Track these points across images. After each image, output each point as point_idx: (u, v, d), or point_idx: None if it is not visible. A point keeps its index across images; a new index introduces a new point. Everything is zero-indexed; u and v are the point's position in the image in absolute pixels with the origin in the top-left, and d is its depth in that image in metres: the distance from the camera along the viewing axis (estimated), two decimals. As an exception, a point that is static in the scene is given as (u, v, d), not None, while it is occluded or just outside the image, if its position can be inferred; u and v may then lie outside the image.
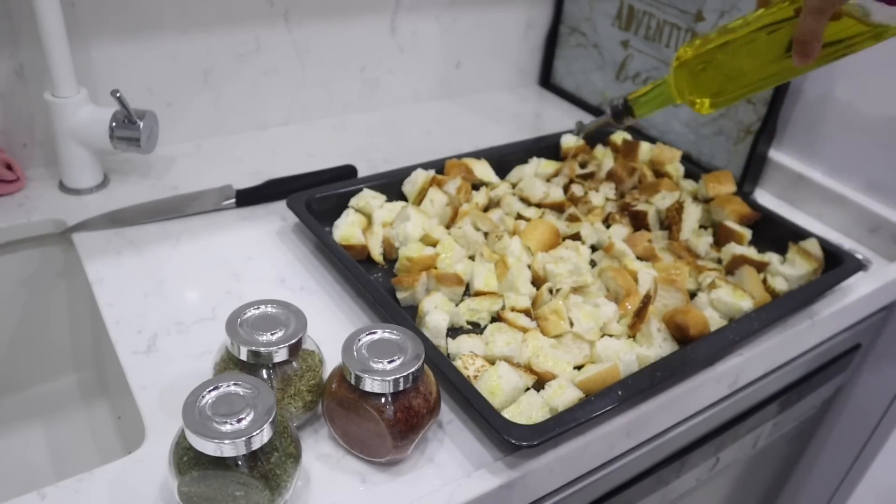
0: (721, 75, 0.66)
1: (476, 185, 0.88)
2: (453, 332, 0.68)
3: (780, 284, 0.76)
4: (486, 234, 0.79)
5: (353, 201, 0.82)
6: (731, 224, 0.84)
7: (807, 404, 0.91)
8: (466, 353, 0.63)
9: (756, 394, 0.78)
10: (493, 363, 0.62)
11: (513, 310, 0.70)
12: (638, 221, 0.84)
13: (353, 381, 0.52)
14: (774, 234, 0.85)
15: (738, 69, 0.65)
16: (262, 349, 0.51)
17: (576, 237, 0.80)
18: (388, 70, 1.08)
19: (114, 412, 0.81)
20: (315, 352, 0.56)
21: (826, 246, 0.80)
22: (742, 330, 0.68)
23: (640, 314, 0.68)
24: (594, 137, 1.00)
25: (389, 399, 0.52)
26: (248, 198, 0.83)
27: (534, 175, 0.91)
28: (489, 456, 0.56)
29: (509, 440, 0.53)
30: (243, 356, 0.52)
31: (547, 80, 1.25)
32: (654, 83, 0.72)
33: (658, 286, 0.71)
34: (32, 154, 0.85)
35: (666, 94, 0.70)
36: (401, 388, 0.51)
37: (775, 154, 0.97)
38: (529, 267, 0.74)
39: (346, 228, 0.77)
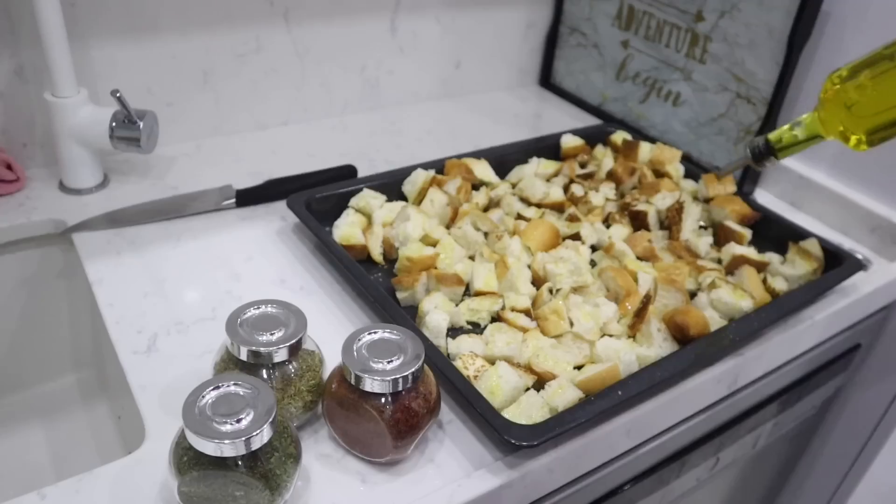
0: (880, 108, 0.59)
1: (476, 185, 0.88)
2: (453, 332, 0.68)
3: (780, 284, 0.76)
4: (486, 234, 0.79)
5: (353, 201, 0.82)
6: (731, 224, 0.84)
7: (807, 404, 0.91)
8: (466, 353, 0.63)
9: (756, 394, 0.78)
10: (493, 363, 0.62)
11: (513, 310, 0.70)
12: (638, 221, 0.84)
13: (353, 381, 0.52)
14: (774, 234, 0.85)
15: None
16: (262, 349, 0.51)
17: (576, 237, 0.80)
18: (388, 70, 1.08)
19: (114, 412, 0.81)
20: (315, 352, 0.56)
21: (826, 246, 0.80)
22: (742, 330, 0.68)
23: (640, 314, 0.68)
24: (594, 137, 1.00)
25: (389, 399, 0.52)
26: (248, 198, 0.83)
27: (534, 175, 0.91)
28: (489, 456, 0.56)
29: (509, 440, 0.53)
30: (243, 356, 0.52)
31: (547, 80, 1.25)
32: (798, 121, 0.66)
33: (658, 286, 0.71)
34: (32, 154, 0.85)
35: (814, 131, 0.64)
36: (401, 388, 0.51)
37: (775, 154, 0.96)
38: (529, 267, 0.74)
39: (346, 228, 0.77)
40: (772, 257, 0.79)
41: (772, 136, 0.69)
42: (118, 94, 0.76)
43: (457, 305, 0.70)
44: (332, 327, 0.68)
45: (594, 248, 0.81)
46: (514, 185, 0.90)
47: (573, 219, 0.83)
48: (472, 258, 0.76)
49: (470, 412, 0.60)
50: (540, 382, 0.62)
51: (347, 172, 0.89)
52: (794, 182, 0.95)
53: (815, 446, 1.08)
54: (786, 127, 0.67)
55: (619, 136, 0.99)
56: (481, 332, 0.68)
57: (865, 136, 0.62)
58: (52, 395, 0.84)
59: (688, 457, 0.74)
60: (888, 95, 0.59)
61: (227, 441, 0.44)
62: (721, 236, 0.84)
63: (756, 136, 0.92)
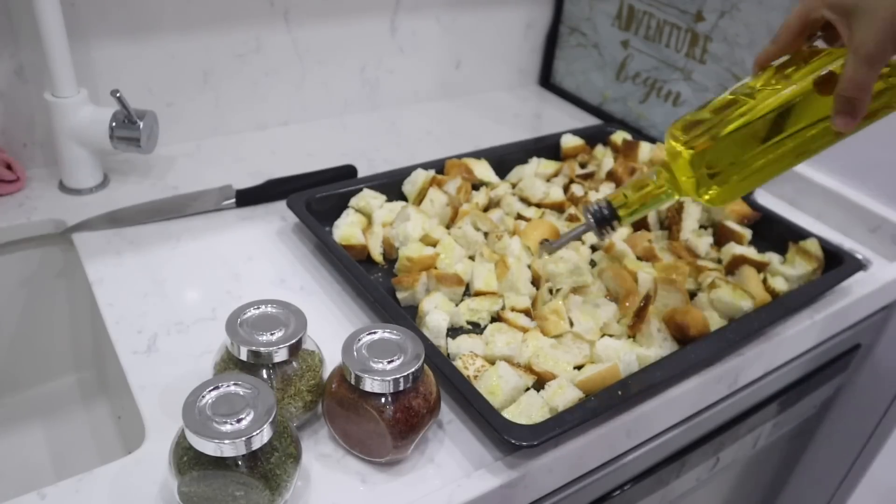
0: (741, 157, 0.55)
1: (476, 185, 0.88)
2: (453, 332, 0.68)
3: (780, 284, 0.76)
4: (486, 234, 0.79)
5: (353, 201, 0.82)
6: (731, 224, 0.84)
7: (807, 404, 0.91)
8: (466, 353, 0.63)
9: (756, 394, 0.78)
10: (493, 363, 0.62)
11: (513, 310, 0.70)
12: (638, 221, 0.84)
13: (353, 381, 0.52)
14: (774, 234, 0.85)
15: (762, 148, 0.55)
16: (262, 349, 0.51)
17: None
18: (388, 70, 1.08)
19: (114, 412, 0.81)
20: (315, 352, 0.56)
21: (826, 246, 0.80)
22: (742, 330, 0.68)
23: (640, 314, 0.67)
24: (594, 137, 1.00)
25: (389, 399, 0.52)
26: (248, 198, 0.83)
27: (534, 175, 0.91)
28: (489, 456, 0.56)
29: (509, 440, 0.53)
30: (243, 356, 0.52)
31: (547, 80, 1.25)
32: (641, 182, 0.60)
33: (658, 286, 0.71)
34: (32, 154, 0.85)
35: (664, 193, 0.59)
36: (401, 388, 0.51)
37: (775, 154, 0.96)
38: (529, 267, 0.74)
39: (346, 228, 0.77)
40: (772, 257, 0.79)
41: (613, 198, 0.61)
42: (118, 94, 0.76)
43: (457, 305, 0.70)
44: (332, 327, 0.68)
45: (594, 248, 0.81)
46: (514, 185, 0.90)
47: (573, 219, 0.83)
48: (472, 258, 0.76)
49: (470, 412, 0.60)
50: (540, 382, 0.62)
51: (347, 172, 0.89)
52: (794, 182, 0.95)
53: (815, 446, 1.08)
54: (628, 186, 0.61)
55: (619, 136, 0.99)
56: (481, 332, 0.68)
57: (721, 189, 0.57)
58: (52, 395, 0.84)
59: (688, 457, 0.74)
60: (747, 149, 0.55)
61: (227, 441, 0.44)
62: (721, 236, 0.84)
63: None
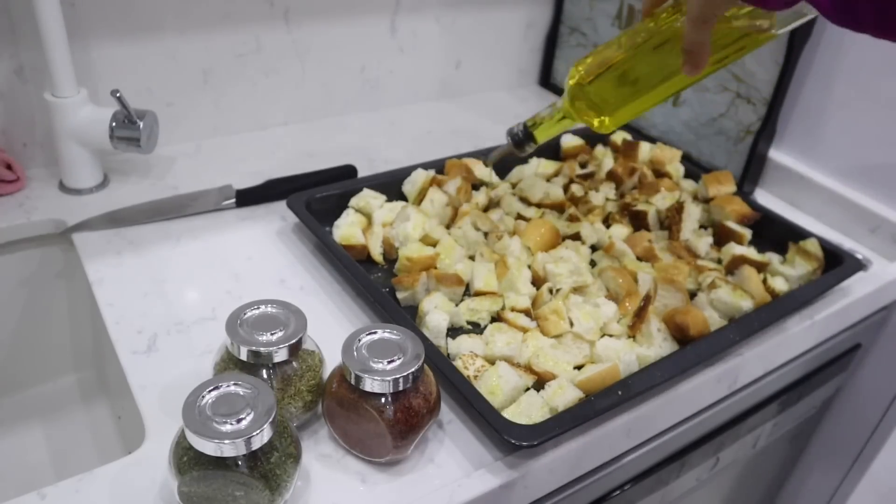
0: (618, 92, 0.64)
1: (476, 185, 0.88)
2: (453, 332, 0.68)
3: (780, 284, 0.76)
4: (486, 234, 0.79)
5: (353, 201, 0.82)
6: (731, 224, 0.84)
7: (807, 404, 0.91)
8: (466, 353, 0.63)
9: (756, 394, 0.78)
10: (493, 363, 0.62)
11: (513, 310, 0.70)
12: (638, 221, 0.84)
13: (353, 381, 0.52)
14: (774, 234, 0.85)
15: (635, 85, 0.64)
16: (262, 349, 0.51)
17: (576, 237, 0.80)
18: (388, 70, 1.08)
19: (114, 412, 0.81)
20: (315, 352, 0.56)
21: (826, 246, 0.80)
22: (742, 330, 0.68)
23: (640, 314, 0.68)
24: (594, 137, 1.00)
25: (389, 399, 0.52)
26: (248, 198, 0.83)
27: (534, 175, 0.91)
28: (489, 456, 0.56)
29: (509, 440, 0.53)
30: (243, 356, 0.52)
31: (547, 80, 1.25)
32: (551, 105, 0.70)
33: (658, 286, 0.71)
34: (32, 154, 0.85)
35: (563, 115, 0.68)
36: (401, 388, 0.51)
37: (775, 154, 0.97)
38: (529, 267, 0.74)
39: (346, 228, 0.77)
40: (772, 257, 0.79)
41: (529, 120, 0.71)
42: (118, 94, 0.76)
43: (457, 305, 0.70)
44: (332, 327, 0.68)
45: (594, 248, 0.81)
46: (514, 185, 0.90)
47: (573, 219, 0.83)
48: (472, 258, 0.76)
49: (470, 412, 0.60)
50: (540, 382, 0.62)
51: (347, 172, 0.89)
52: (794, 182, 0.95)
53: (815, 446, 1.08)
54: (544, 111, 0.70)
55: (619, 136, 0.99)
56: (481, 332, 0.68)
57: (609, 117, 0.66)
58: (52, 395, 0.84)
59: (688, 457, 0.74)
60: (627, 81, 0.63)
61: (227, 441, 0.44)
62: (721, 236, 0.84)
63: (755, 136, 0.92)
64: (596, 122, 0.66)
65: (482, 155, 0.91)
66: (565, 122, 0.69)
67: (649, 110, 0.69)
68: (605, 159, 0.94)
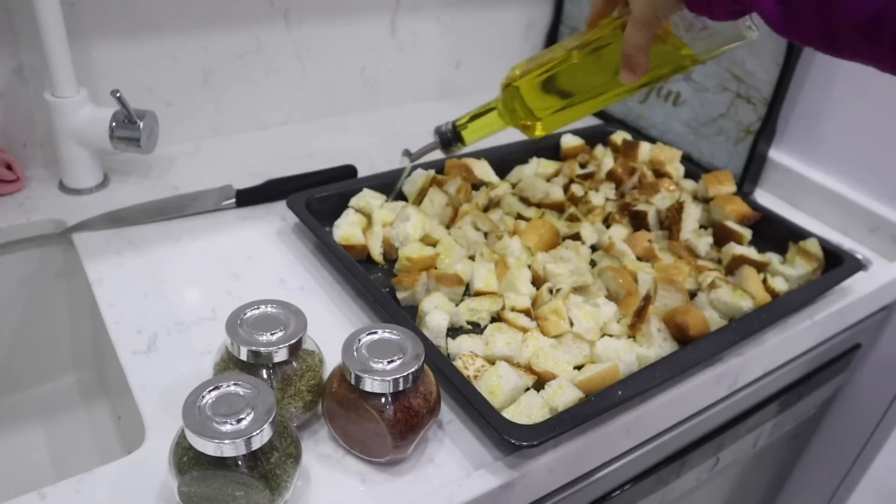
0: (552, 97, 0.64)
1: (476, 185, 0.88)
2: (453, 332, 0.68)
3: (780, 284, 0.76)
4: (486, 234, 0.79)
5: (353, 201, 0.82)
6: (731, 224, 0.84)
7: (807, 404, 0.91)
8: (466, 353, 0.63)
9: (756, 394, 0.78)
10: (493, 363, 0.62)
11: (513, 310, 0.70)
12: (638, 221, 0.84)
13: (353, 381, 0.52)
14: (774, 234, 0.85)
15: (570, 90, 0.64)
16: (262, 349, 0.51)
17: (576, 237, 0.80)
18: (388, 70, 1.08)
19: (114, 412, 0.81)
20: (315, 352, 0.56)
21: (826, 246, 0.80)
22: (742, 330, 0.68)
23: (640, 314, 0.68)
24: (594, 137, 1.00)
25: (389, 399, 0.52)
26: (248, 198, 0.83)
27: (534, 175, 0.91)
28: (489, 456, 0.56)
29: (509, 440, 0.53)
30: (243, 356, 0.52)
31: (547, 80, 1.25)
32: (483, 107, 0.69)
33: (658, 286, 0.71)
34: (32, 154, 0.85)
35: (496, 118, 0.68)
36: (401, 388, 0.51)
37: (775, 154, 0.97)
38: (529, 267, 0.74)
39: (346, 228, 0.77)
40: (772, 257, 0.79)
41: (458, 121, 0.70)
42: (118, 94, 0.76)
43: (457, 305, 0.70)
44: (332, 327, 0.68)
45: (594, 248, 0.81)
46: (514, 185, 0.90)
47: (573, 219, 0.83)
48: (472, 258, 0.76)
49: (470, 412, 0.60)
50: (540, 382, 0.62)
51: (347, 172, 0.89)
52: (794, 182, 0.95)
53: (815, 446, 1.08)
54: (474, 111, 0.70)
55: (619, 136, 0.99)
56: (481, 332, 0.68)
57: (541, 122, 0.66)
58: (52, 395, 0.84)
59: (688, 457, 0.74)
60: (562, 86, 0.64)
61: (227, 441, 0.44)
62: (721, 236, 0.84)
63: (755, 136, 0.92)
64: (529, 127, 0.66)
65: (483, 155, 0.91)
66: (496, 124, 0.68)
67: (583, 118, 0.69)
68: (605, 159, 0.94)
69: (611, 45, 0.61)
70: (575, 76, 0.63)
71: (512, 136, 1.02)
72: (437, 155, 0.79)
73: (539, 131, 0.67)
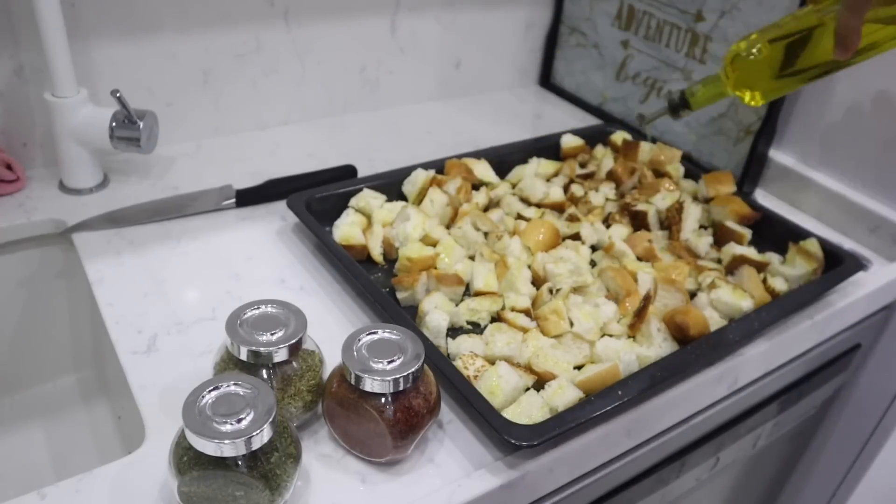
0: (772, 69, 0.67)
1: (476, 185, 0.88)
2: (453, 332, 0.68)
3: (780, 284, 0.76)
4: (486, 234, 0.79)
5: (353, 201, 0.82)
6: (731, 224, 0.84)
7: (807, 404, 0.91)
8: (466, 353, 0.63)
9: (756, 394, 0.78)
10: (493, 363, 0.62)
11: (513, 310, 0.70)
12: (638, 221, 0.84)
13: (353, 381, 0.52)
14: (774, 234, 0.85)
15: (789, 62, 0.67)
16: (262, 349, 0.51)
17: (576, 237, 0.80)
18: (388, 70, 1.08)
19: (114, 412, 0.81)
20: (315, 352, 0.56)
21: (826, 246, 0.80)
22: (742, 330, 0.68)
23: (640, 314, 0.68)
24: (594, 137, 1.00)
25: (389, 399, 0.52)
26: (248, 198, 0.83)
27: (534, 175, 0.91)
28: (489, 456, 0.56)
29: (509, 440, 0.53)
30: (243, 356, 0.52)
31: (547, 80, 1.25)
32: (708, 77, 0.73)
33: (658, 286, 0.71)
34: (32, 154, 0.85)
35: (719, 86, 0.71)
36: (401, 388, 0.51)
37: (775, 154, 0.97)
38: (529, 267, 0.74)
39: (346, 228, 0.77)
40: (772, 257, 0.79)
41: (686, 89, 0.74)
42: (118, 94, 0.76)
43: (457, 305, 0.70)
44: (332, 327, 0.68)
45: (594, 248, 0.81)
46: (514, 185, 0.90)
47: (573, 219, 0.83)
48: (472, 258, 0.76)
49: (470, 412, 0.60)
50: (540, 382, 0.62)
51: (347, 172, 0.89)
52: (794, 182, 0.95)
53: (815, 446, 1.08)
54: (702, 81, 0.73)
55: (619, 136, 0.99)
56: (481, 332, 0.68)
57: (760, 91, 0.69)
58: (52, 395, 0.84)
59: (688, 457, 0.74)
60: (782, 58, 0.67)
61: (227, 441, 0.44)
62: (721, 236, 0.84)
63: (755, 136, 0.92)
64: (748, 96, 0.70)
65: (483, 155, 0.91)
66: (720, 93, 0.71)
67: (797, 89, 0.74)
68: (605, 159, 0.94)
69: (828, 23, 0.64)
70: (797, 50, 0.66)
71: (512, 136, 1.03)
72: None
73: (757, 101, 0.70)
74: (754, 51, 0.67)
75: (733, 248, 0.79)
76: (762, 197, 0.97)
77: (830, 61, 0.65)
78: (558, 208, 0.86)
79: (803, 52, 0.66)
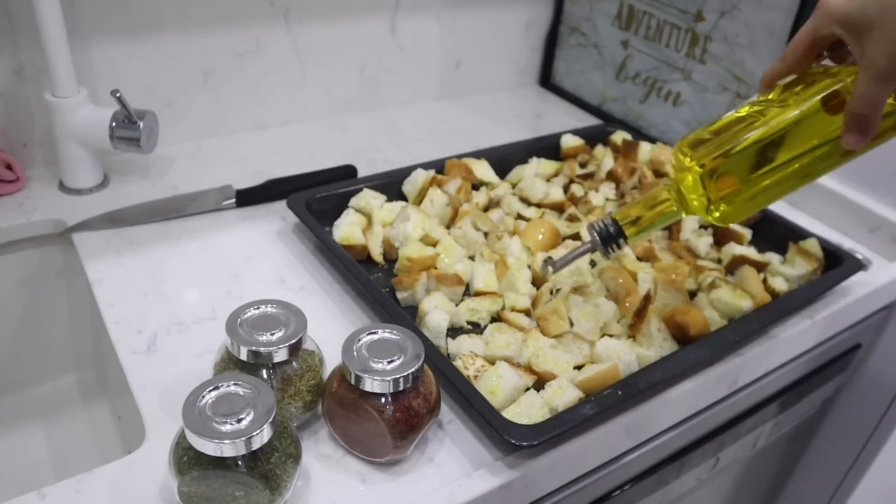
0: (748, 178, 0.55)
1: (476, 185, 0.88)
2: (453, 332, 0.68)
3: (780, 284, 0.76)
4: (486, 234, 0.79)
5: (353, 201, 0.82)
6: (731, 224, 0.84)
7: (807, 404, 0.91)
8: (466, 353, 0.63)
9: (756, 394, 0.78)
10: (493, 363, 0.62)
11: (513, 310, 0.70)
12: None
13: (353, 381, 0.52)
14: (774, 234, 0.85)
15: (770, 166, 0.54)
16: (262, 349, 0.51)
17: (576, 237, 0.80)
18: (388, 70, 1.08)
19: (114, 412, 0.81)
20: (315, 352, 0.56)
21: (826, 246, 0.80)
22: (742, 330, 0.68)
23: (640, 314, 0.67)
24: (594, 137, 1.00)
25: (389, 399, 0.52)
26: (248, 198, 0.83)
27: (534, 175, 0.91)
28: (489, 456, 0.56)
29: (509, 440, 0.53)
30: (243, 356, 0.52)
31: (547, 80, 1.25)
32: (647, 200, 0.59)
33: (658, 286, 0.71)
34: (32, 154, 0.85)
35: (671, 211, 0.58)
36: (401, 388, 0.51)
37: (775, 154, 0.96)
38: (529, 267, 0.74)
39: (346, 228, 0.77)
40: (772, 257, 0.79)
41: (618, 215, 0.60)
42: (118, 94, 0.76)
43: (457, 305, 0.70)
44: (332, 327, 0.68)
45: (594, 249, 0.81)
46: (514, 185, 0.90)
47: (573, 219, 0.83)
48: (472, 258, 0.76)
49: (470, 412, 0.60)
50: (540, 382, 0.62)
51: (347, 172, 0.89)
52: (794, 182, 0.95)
53: (815, 446, 1.08)
54: (633, 204, 0.60)
55: (619, 136, 0.99)
56: (481, 332, 0.68)
57: (731, 208, 0.56)
58: (52, 395, 0.84)
59: (688, 457, 0.74)
60: (759, 165, 0.55)
61: (227, 441, 0.44)
62: (721, 236, 0.84)
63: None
64: (715, 215, 0.57)
65: (483, 155, 0.91)
66: (670, 215, 0.59)
67: (776, 201, 0.59)
68: (605, 159, 0.94)
69: (816, 113, 0.53)
70: (780, 148, 0.54)
71: (512, 136, 1.03)
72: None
73: (728, 219, 0.57)
74: (718, 157, 0.54)
75: (733, 248, 0.79)
76: (762, 197, 0.97)
77: (827, 156, 0.54)
78: (558, 208, 0.86)
79: (788, 151, 0.54)
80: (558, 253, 0.75)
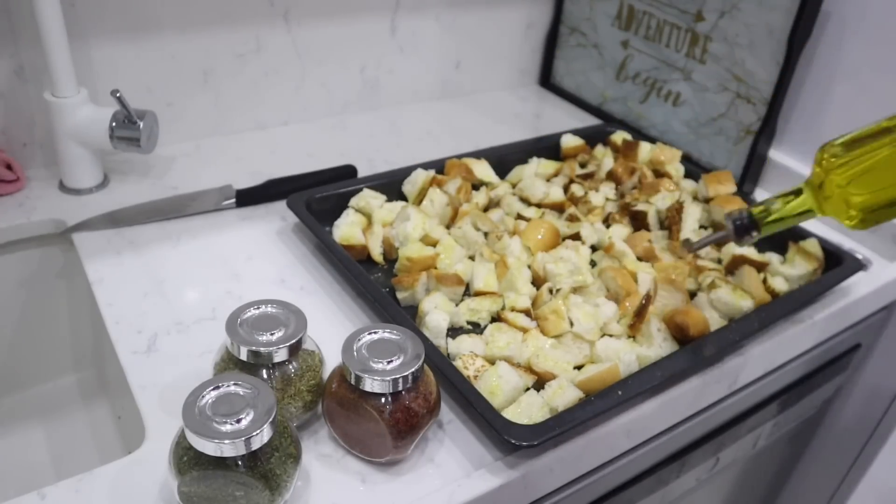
0: (884, 188, 0.56)
1: (476, 185, 0.88)
2: (453, 332, 0.68)
3: (780, 284, 0.76)
4: (486, 234, 0.79)
5: (353, 201, 0.82)
6: (731, 224, 0.84)
7: (807, 404, 0.91)
8: (466, 353, 0.63)
9: (756, 394, 0.78)
10: (493, 363, 0.62)
11: (513, 310, 0.70)
12: (638, 221, 0.84)
13: (353, 381, 0.52)
14: (774, 233, 0.84)
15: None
16: (262, 349, 0.51)
17: (576, 237, 0.80)
18: (388, 70, 1.08)
19: (114, 412, 0.81)
20: (315, 352, 0.56)
21: (826, 246, 0.80)
22: (742, 330, 0.68)
23: (640, 314, 0.68)
24: (594, 137, 1.00)
25: (389, 399, 0.52)
26: (248, 198, 0.83)
27: (534, 175, 0.91)
28: (489, 456, 0.56)
29: (509, 440, 0.53)
30: (243, 356, 0.52)
31: (547, 80, 1.25)
32: (786, 195, 0.62)
33: (658, 286, 0.71)
34: (32, 154, 0.85)
35: (806, 206, 0.61)
36: (400, 388, 0.51)
37: (775, 154, 0.96)
38: (529, 267, 0.74)
39: (346, 228, 0.77)
40: (772, 257, 0.79)
41: (755, 209, 0.64)
42: (118, 94, 0.76)
43: (457, 305, 0.70)
44: (332, 327, 0.68)
45: (594, 248, 0.81)
46: (514, 185, 0.90)
47: (573, 219, 0.83)
48: (472, 258, 0.76)
49: (470, 412, 0.60)
50: (540, 382, 0.62)
51: (347, 172, 0.89)
52: (794, 182, 0.94)
53: (815, 446, 1.08)
54: (772, 199, 0.64)
55: (619, 136, 0.99)
56: (481, 332, 0.68)
57: (863, 213, 0.58)
58: (52, 395, 0.84)
59: (688, 457, 0.74)
60: (887, 174, 0.56)
61: (227, 441, 0.44)
62: (721, 236, 0.84)
63: (755, 136, 0.91)
64: (849, 220, 0.58)
65: (483, 155, 0.91)
66: (806, 215, 0.62)
67: None
68: (605, 159, 0.94)
69: None
70: None
71: (512, 136, 1.03)
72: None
73: (863, 225, 0.59)
74: (859, 170, 0.56)
75: (733, 248, 0.79)
76: (762, 197, 0.97)
77: None
78: (558, 208, 0.86)
79: None
80: (559, 253, 0.75)
